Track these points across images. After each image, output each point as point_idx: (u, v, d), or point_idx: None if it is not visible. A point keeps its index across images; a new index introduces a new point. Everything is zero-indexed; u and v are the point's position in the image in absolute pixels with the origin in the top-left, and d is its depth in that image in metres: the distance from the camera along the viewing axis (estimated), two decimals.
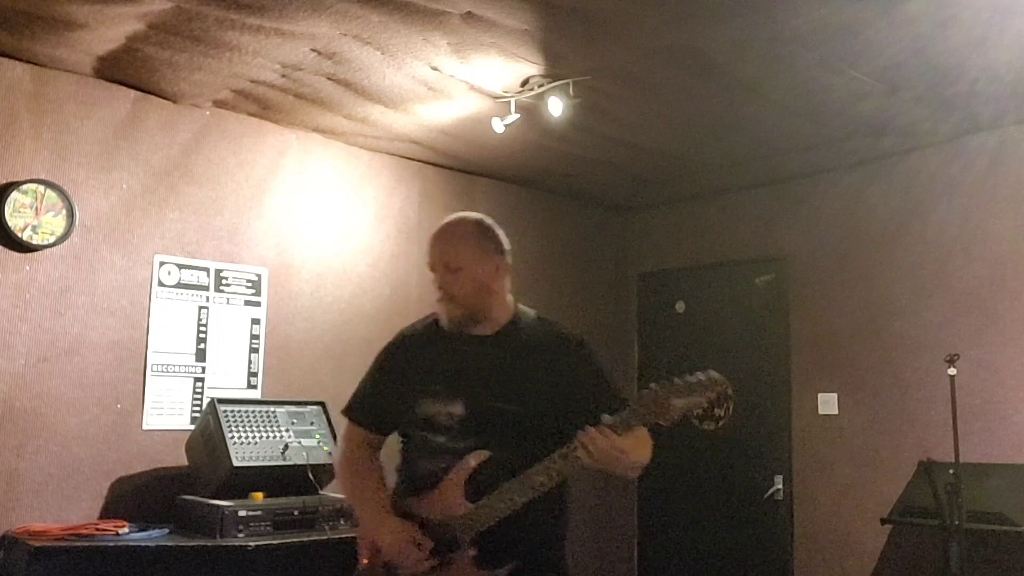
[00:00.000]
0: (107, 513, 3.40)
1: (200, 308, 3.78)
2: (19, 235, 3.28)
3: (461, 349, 2.27)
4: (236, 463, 3.29)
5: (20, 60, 3.34)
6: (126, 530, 3.16)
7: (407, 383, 2.30)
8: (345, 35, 3.08)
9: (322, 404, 3.79)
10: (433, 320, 2.36)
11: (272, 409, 3.63)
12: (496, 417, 2.18)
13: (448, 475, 2.18)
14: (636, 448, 2.10)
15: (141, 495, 3.49)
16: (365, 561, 2.29)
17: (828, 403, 4.55)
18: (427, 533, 2.18)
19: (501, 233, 2.32)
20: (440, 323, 2.32)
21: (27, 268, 3.33)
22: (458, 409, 2.20)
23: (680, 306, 5.33)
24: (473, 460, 2.16)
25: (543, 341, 2.28)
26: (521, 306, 2.35)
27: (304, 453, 3.52)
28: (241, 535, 3.15)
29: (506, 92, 3.60)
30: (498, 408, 2.19)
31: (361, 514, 2.37)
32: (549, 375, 2.22)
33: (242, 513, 3.18)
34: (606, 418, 2.03)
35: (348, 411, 2.42)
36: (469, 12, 2.91)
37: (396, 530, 2.19)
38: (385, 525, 2.22)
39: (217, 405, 3.45)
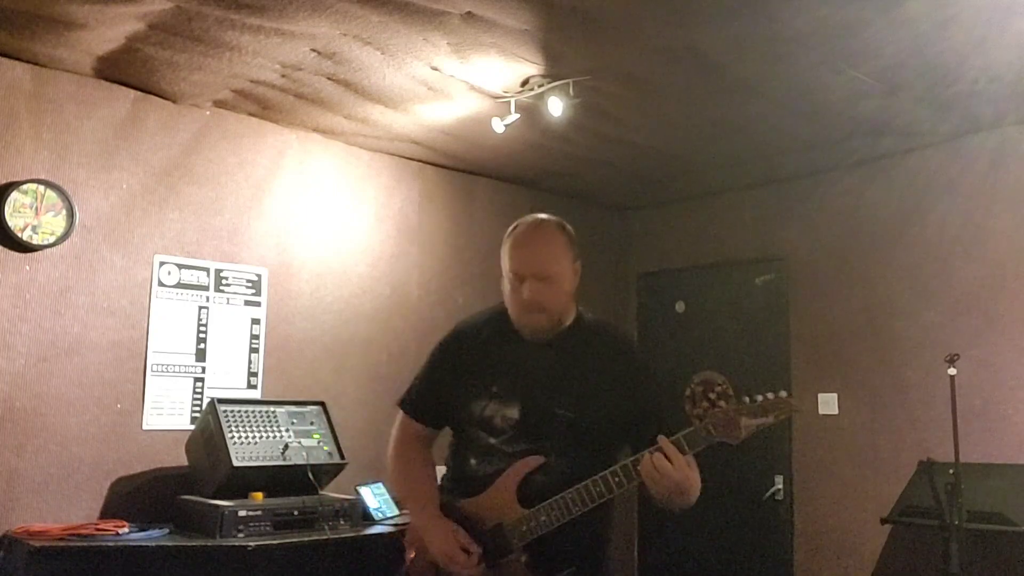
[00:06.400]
0: (107, 513, 3.39)
1: (200, 308, 3.78)
2: (19, 235, 3.28)
3: (521, 352, 2.21)
4: (236, 463, 3.29)
5: (20, 60, 3.33)
6: (126, 530, 3.15)
7: (464, 380, 2.25)
8: (345, 35, 3.08)
9: (322, 404, 3.79)
10: (496, 315, 2.28)
11: (272, 409, 3.63)
12: (552, 423, 2.12)
13: (501, 477, 2.13)
14: (697, 478, 2.05)
15: (141, 495, 3.49)
16: (412, 555, 2.25)
17: (828, 403, 4.55)
18: (476, 536, 2.12)
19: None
20: (504, 321, 2.24)
21: (27, 268, 3.33)
22: (514, 413, 2.15)
23: (680, 306, 5.33)
24: (528, 463, 2.11)
25: (602, 347, 2.23)
26: (580, 308, 2.30)
27: (304, 453, 3.52)
28: (241, 535, 3.15)
29: (506, 92, 3.60)
30: (555, 414, 2.13)
31: (410, 510, 2.35)
32: (606, 382, 2.17)
33: (242, 513, 3.18)
34: (676, 437, 1.98)
35: (403, 403, 2.38)
36: (469, 12, 2.90)
37: (445, 535, 2.13)
38: (434, 528, 2.16)
39: (217, 405, 3.45)
